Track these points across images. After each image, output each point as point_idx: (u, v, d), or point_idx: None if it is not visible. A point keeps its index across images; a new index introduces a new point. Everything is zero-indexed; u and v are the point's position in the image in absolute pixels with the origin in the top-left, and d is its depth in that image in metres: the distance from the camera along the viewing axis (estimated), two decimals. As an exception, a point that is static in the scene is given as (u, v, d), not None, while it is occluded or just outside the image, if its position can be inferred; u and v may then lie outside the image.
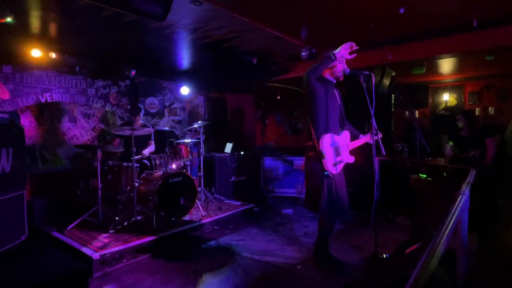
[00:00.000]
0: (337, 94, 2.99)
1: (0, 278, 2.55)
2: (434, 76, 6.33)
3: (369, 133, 3.00)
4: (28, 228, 3.36)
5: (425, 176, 4.93)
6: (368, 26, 3.69)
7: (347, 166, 2.94)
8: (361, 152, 3.16)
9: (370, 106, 2.65)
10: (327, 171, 2.69)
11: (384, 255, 2.94)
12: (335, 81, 2.94)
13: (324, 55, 2.82)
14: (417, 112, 7.14)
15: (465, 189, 1.77)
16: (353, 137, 3.06)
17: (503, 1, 3.09)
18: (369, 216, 2.81)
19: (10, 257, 2.94)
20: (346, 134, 2.98)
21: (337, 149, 2.79)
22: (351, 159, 2.96)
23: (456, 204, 1.51)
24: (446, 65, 5.35)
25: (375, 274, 2.72)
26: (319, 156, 2.69)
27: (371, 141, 2.96)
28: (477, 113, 6.29)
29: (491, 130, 4.40)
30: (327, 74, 2.90)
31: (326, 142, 2.70)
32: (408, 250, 2.74)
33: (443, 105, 6.97)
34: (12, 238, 3.17)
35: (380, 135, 2.89)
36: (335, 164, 2.74)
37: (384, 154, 2.80)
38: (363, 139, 3.05)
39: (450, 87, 6.85)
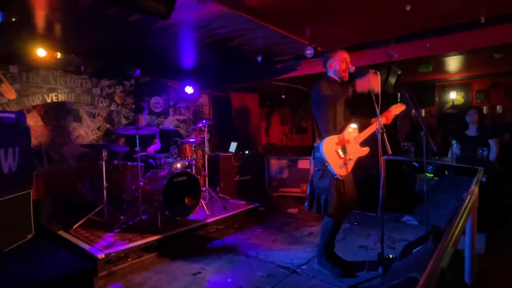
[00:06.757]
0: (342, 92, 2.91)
1: (6, 276, 2.58)
2: (440, 74, 6.26)
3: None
4: (34, 227, 3.39)
5: (432, 175, 4.88)
6: (374, 24, 3.65)
7: (354, 166, 2.87)
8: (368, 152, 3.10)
9: (376, 105, 2.61)
10: (335, 175, 2.64)
11: (391, 256, 2.91)
12: (340, 81, 2.88)
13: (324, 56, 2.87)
14: (423, 110, 7.07)
15: (473, 189, 1.74)
16: (363, 127, 2.88)
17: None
18: (375, 216, 2.78)
19: (16, 255, 2.97)
20: (352, 127, 2.82)
21: (343, 148, 2.71)
22: (364, 152, 2.81)
23: (465, 204, 1.48)
24: (453, 63, 5.28)
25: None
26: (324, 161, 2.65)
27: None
28: (484, 112, 6.21)
29: (497, 131, 4.35)
30: (333, 74, 2.87)
31: (327, 146, 2.65)
32: (415, 251, 2.71)
33: (450, 104, 6.90)
34: (19, 237, 3.20)
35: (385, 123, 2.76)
36: (342, 165, 2.67)
37: (390, 153, 2.75)
38: (374, 125, 2.84)
39: (457, 85, 6.77)
